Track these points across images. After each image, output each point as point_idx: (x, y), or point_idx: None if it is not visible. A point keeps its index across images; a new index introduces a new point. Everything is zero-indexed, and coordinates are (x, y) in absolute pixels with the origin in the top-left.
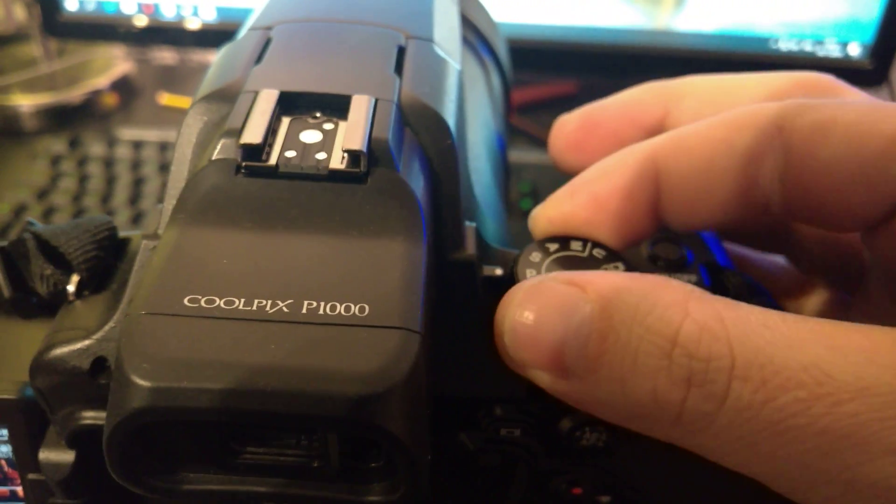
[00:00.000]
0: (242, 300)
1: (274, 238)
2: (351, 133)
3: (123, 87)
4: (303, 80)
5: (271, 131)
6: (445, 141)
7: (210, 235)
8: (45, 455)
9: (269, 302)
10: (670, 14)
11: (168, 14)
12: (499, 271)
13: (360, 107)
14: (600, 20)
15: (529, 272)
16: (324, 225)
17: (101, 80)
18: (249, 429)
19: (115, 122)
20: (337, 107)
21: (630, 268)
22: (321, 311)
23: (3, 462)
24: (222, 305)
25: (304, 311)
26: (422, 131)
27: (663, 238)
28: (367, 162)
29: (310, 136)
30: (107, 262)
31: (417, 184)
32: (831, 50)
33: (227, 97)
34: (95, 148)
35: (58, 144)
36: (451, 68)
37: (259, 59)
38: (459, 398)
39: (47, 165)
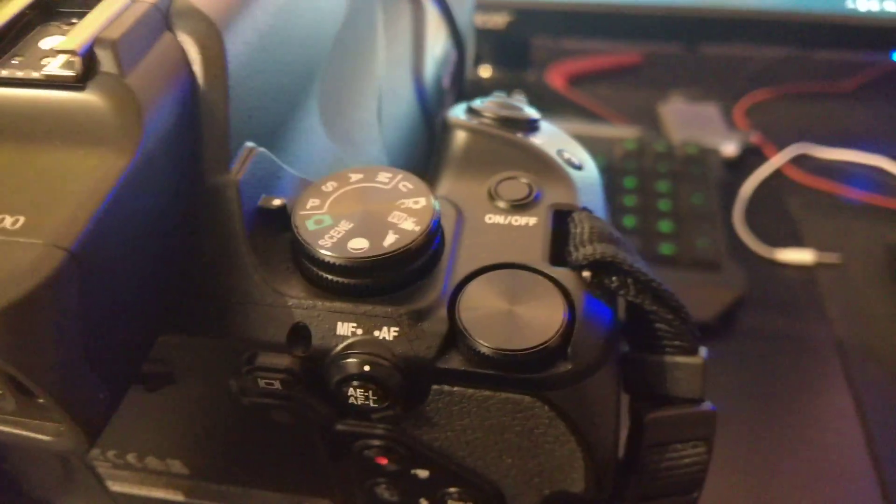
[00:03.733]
0: None
1: None
2: (75, 34)
3: None
4: None
5: (13, 38)
6: (212, 49)
7: None
8: None
9: None
10: None
11: None
12: (277, 202)
13: (107, 8)
14: None
15: (311, 202)
16: (29, 134)
17: None
18: None
19: None
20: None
21: (435, 206)
22: None
23: None
24: None
25: None
26: (187, 38)
27: (515, 176)
28: (86, 66)
29: (49, 42)
30: None
31: (160, 93)
32: None
33: None
34: None
35: None
36: None
37: None
38: (218, 338)
39: None
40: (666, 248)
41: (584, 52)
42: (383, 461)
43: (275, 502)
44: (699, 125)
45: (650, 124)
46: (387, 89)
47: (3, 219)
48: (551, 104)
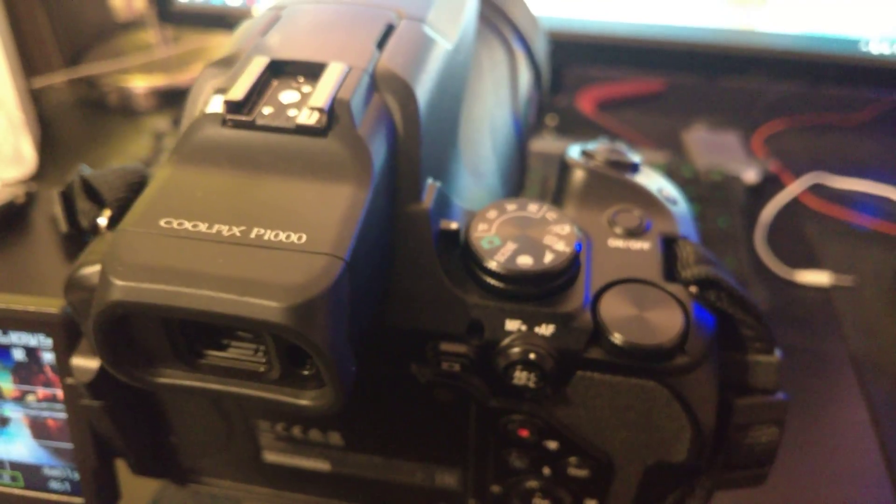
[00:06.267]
0: (206, 224)
1: (244, 178)
2: (319, 94)
3: None
4: (294, 50)
5: (258, 92)
6: (410, 106)
7: (192, 174)
8: (76, 361)
9: (227, 227)
10: (756, 14)
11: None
12: (454, 225)
13: (334, 73)
14: (687, 19)
15: (481, 226)
16: (287, 169)
17: None
18: (209, 333)
19: None
20: (318, 73)
21: (576, 232)
22: (266, 237)
23: (49, 368)
24: (189, 227)
25: (252, 235)
26: (390, 97)
27: (628, 209)
28: (329, 119)
29: (288, 97)
30: (135, 201)
31: (376, 141)
32: None
33: (230, 63)
34: None
35: (162, 122)
36: (437, 46)
37: (266, 32)
38: (409, 330)
39: (151, 141)
40: None
41: (608, 78)
42: (524, 433)
43: (412, 470)
44: (721, 152)
45: (674, 149)
46: (495, 127)
47: (289, 235)
48: (582, 128)
